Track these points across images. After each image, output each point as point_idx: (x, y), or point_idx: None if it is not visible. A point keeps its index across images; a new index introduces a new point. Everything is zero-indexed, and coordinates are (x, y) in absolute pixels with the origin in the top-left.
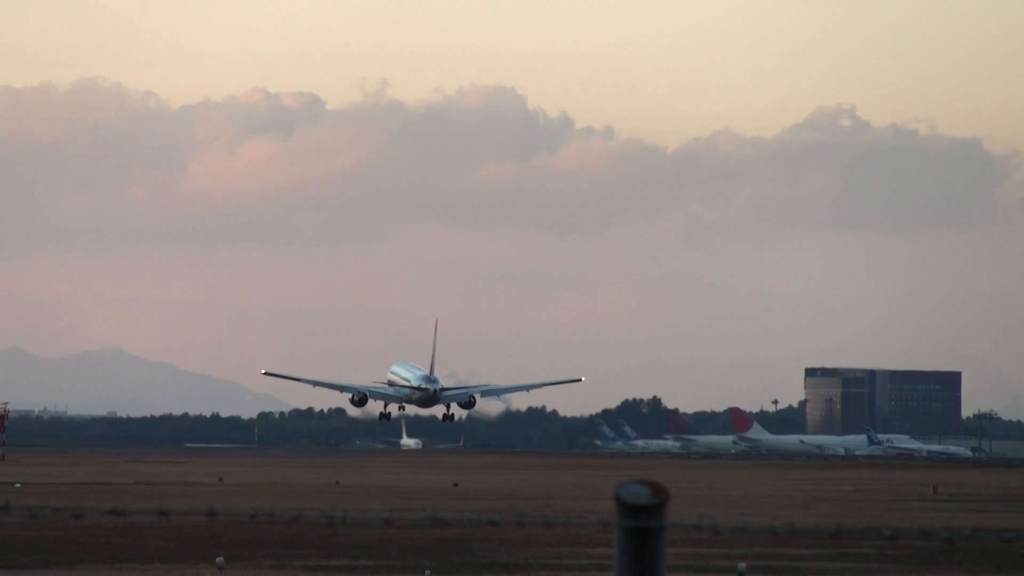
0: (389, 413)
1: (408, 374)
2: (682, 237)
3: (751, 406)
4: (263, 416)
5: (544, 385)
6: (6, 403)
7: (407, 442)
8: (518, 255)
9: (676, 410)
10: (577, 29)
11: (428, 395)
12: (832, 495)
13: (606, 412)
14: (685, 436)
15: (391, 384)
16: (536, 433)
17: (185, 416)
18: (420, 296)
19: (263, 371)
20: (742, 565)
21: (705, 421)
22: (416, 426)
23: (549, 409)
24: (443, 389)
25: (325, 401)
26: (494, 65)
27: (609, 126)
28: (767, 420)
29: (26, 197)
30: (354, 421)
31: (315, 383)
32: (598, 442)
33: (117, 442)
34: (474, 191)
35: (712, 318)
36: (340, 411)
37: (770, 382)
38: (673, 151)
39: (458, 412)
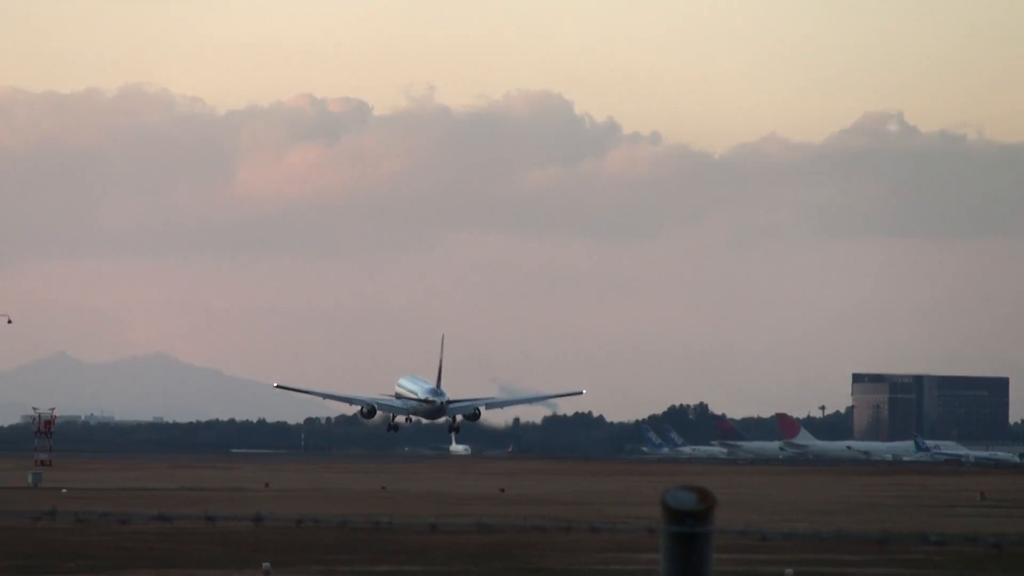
0: (397, 424)
1: (415, 387)
2: (729, 243)
3: (798, 412)
4: (309, 422)
5: (547, 398)
6: (52, 409)
7: (456, 448)
8: (564, 261)
9: (723, 416)
10: (624, 35)
11: (435, 407)
12: (879, 501)
13: (653, 418)
14: (732, 442)
15: (399, 396)
16: (582, 439)
17: (231, 421)
18: (466, 302)
19: (275, 384)
20: (789, 571)
21: (752, 427)
22: (466, 433)
23: (596, 415)
24: (449, 402)
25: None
26: (541, 71)
27: (656, 131)
28: (814, 426)
29: (72, 203)
30: (399, 427)
31: (325, 395)
32: (645, 448)
33: (163, 448)
34: (520, 197)
35: (759, 324)
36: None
37: (817, 388)
38: (720, 156)
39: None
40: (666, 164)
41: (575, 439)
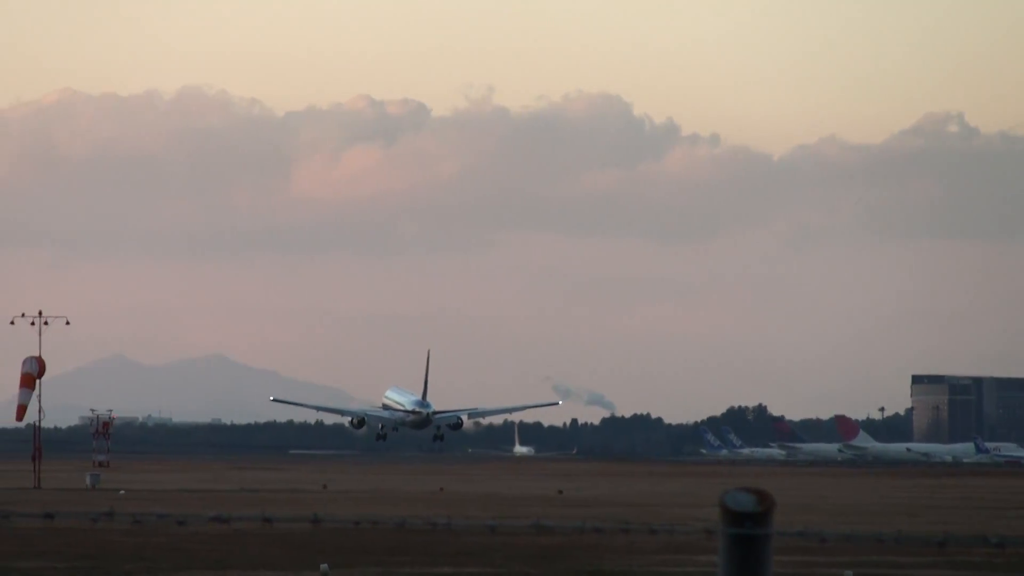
0: (385, 434)
1: (402, 399)
2: (787, 244)
3: (857, 414)
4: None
5: (525, 408)
6: (110, 410)
7: (520, 450)
8: (623, 262)
9: (782, 418)
10: (684, 36)
11: (421, 418)
12: (939, 503)
13: (711, 420)
14: (790, 444)
15: (386, 407)
16: (641, 441)
17: (289, 423)
18: (524, 304)
19: (271, 398)
20: (848, 573)
21: (811, 429)
22: (529, 434)
23: (654, 416)
24: (435, 413)
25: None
26: (600, 72)
27: (715, 133)
28: (873, 428)
29: (130, 205)
30: (459, 432)
31: (318, 408)
32: (703, 450)
33: (221, 449)
34: (579, 198)
35: (818, 325)
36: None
37: (876, 389)
38: (779, 158)
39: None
40: (725, 166)
41: (634, 440)
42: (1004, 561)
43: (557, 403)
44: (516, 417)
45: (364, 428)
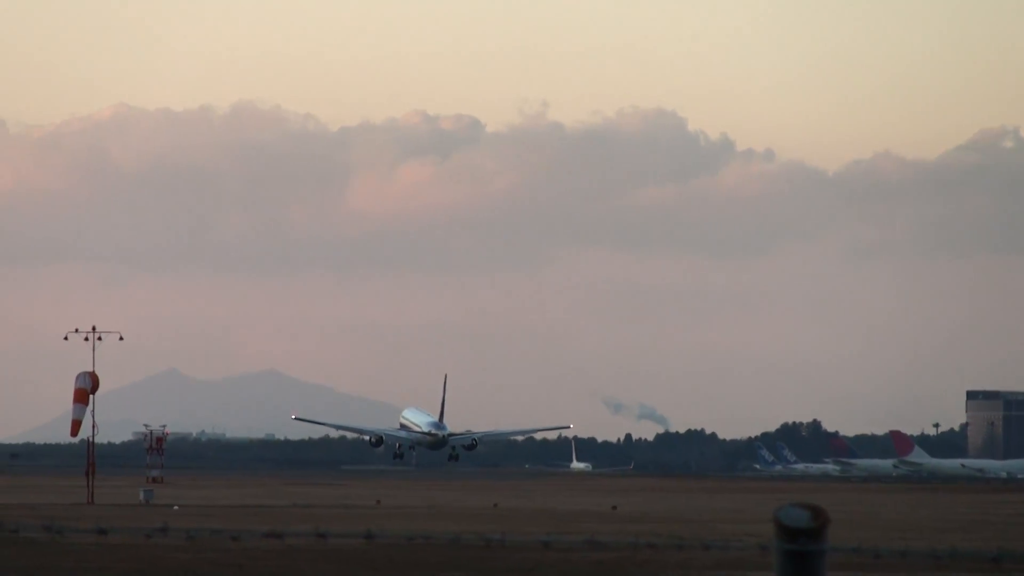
0: (403, 453)
1: (419, 419)
2: (842, 259)
3: (912, 429)
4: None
5: (536, 431)
6: (164, 425)
7: (577, 465)
8: (676, 277)
9: (836, 433)
10: (738, 52)
11: (437, 440)
12: (994, 519)
13: (765, 435)
14: (845, 460)
15: (403, 427)
16: (695, 456)
17: (343, 439)
18: (577, 319)
19: (293, 416)
20: None
21: (866, 444)
22: (583, 449)
23: (708, 432)
24: (450, 435)
25: (484, 424)
26: (654, 87)
27: (770, 148)
28: (928, 443)
29: (184, 219)
30: (512, 444)
31: (338, 427)
32: (757, 465)
33: (274, 464)
34: (633, 214)
35: (872, 340)
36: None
37: (931, 405)
38: (834, 173)
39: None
40: (780, 181)
41: (688, 456)
42: None
43: (568, 426)
44: (570, 433)
45: (382, 447)
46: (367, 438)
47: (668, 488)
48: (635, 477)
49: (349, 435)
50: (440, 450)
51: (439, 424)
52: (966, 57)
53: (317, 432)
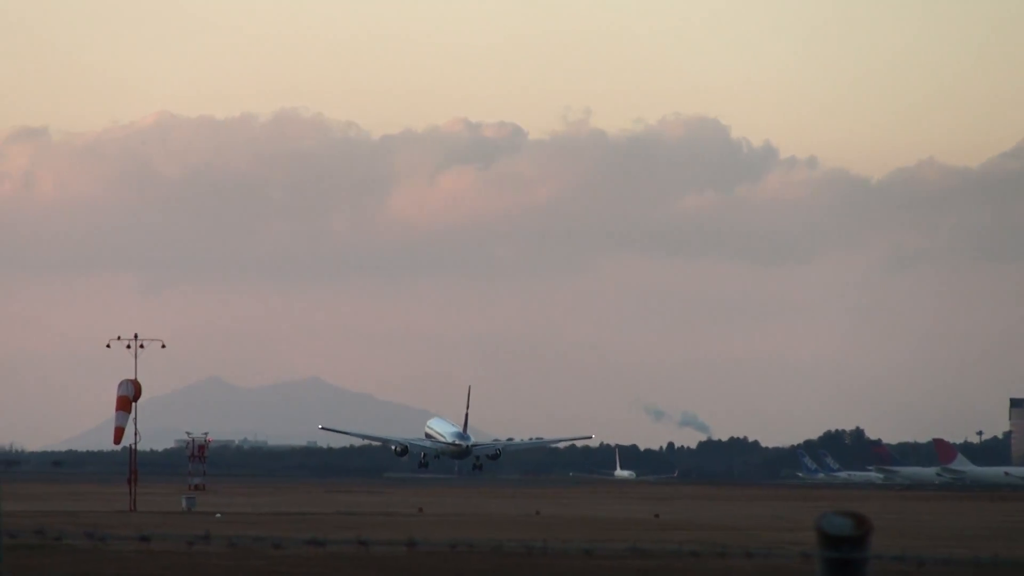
0: (427, 462)
1: (444, 429)
2: (885, 267)
3: (955, 437)
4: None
5: (559, 441)
6: (206, 433)
7: (621, 473)
8: (719, 285)
9: (879, 441)
10: (781, 59)
11: (460, 449)
12: None
13: (808, 443)
14: (888, 467)
15: (428, 437)
16: (738, 464)
17: (384, 446)
18: (621, 327)
19: (320, 426)
20: None
21: (908, 452)
22: (628, 458)
23: (751, 440)
24: (473, 444)
25: (526, 432)
26: (697, 95)
27: (813, 156)
28: (971, 451)
29: (226, 227)
30: (554, 452)
31: (364, 436)
32: (800, 473)
33: (317, 472)
34: (675, 221)
35: (915, 348)
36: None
37: (974, 413)
38: (877, 181)
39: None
40: (823, 188)
41: (730, 464)
42: None
43: (590, 436)
44: (612, 440)
45: (407, 456)
46: (393, 447)
47: (710, 496)
48: (677, 485)
49: (489, 429)
50: (464, 459)
51: (463, 434)
52: (1009, 64)
53: (359, 440)
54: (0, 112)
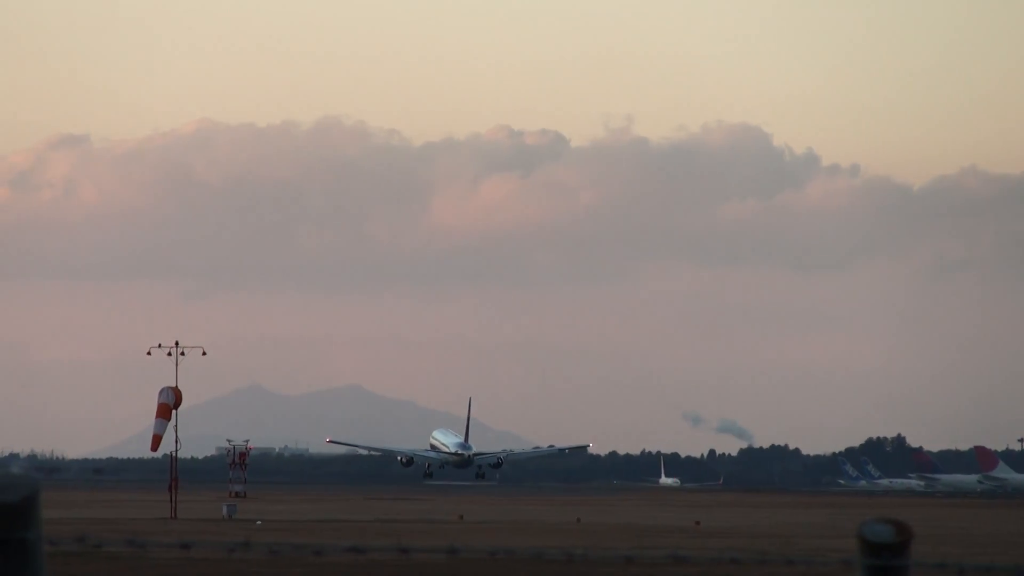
0: (432, 472)
1: (447, 440)
2: (927, 274)
3: (996, 445)
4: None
5: (560, 450)
6: (247, 441)
7: (666, 481)
8: (760, 292)
9: (920, 448)
10: (823, 67)
11: (463, 459)
12: None
13: (849, 450)
14: (929, 475)
15: (433, 448)
16: (779, 471)
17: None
18: (662, 334)
19: (328, 439)
20: None
21: (950, 460)
22: (669, 465)
23: (792, 447)
24: (476, 454)
25: (567, 439)
26: (739, 102)
27: (855, 164)
28: (1013, 459)
29: (268, 235)
30: (595, 459)
31: (369, 448)
32: (841, 481)
33: (358, 480)
34: (717, 229)
35: (956, 355)
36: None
37: (1016, 420)
38: (919, 188)
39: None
40: (865, 196)
41: (771, 471)
42: None
43: (588, 445)
44: (653, 447)
45: (412, 466)
46: (399, 458)
47: (751, 503)
48: (718, 492)
49: (531, 436)
50: (467, 469)
51: (465, 444)
52: None
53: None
54: (42, 119)
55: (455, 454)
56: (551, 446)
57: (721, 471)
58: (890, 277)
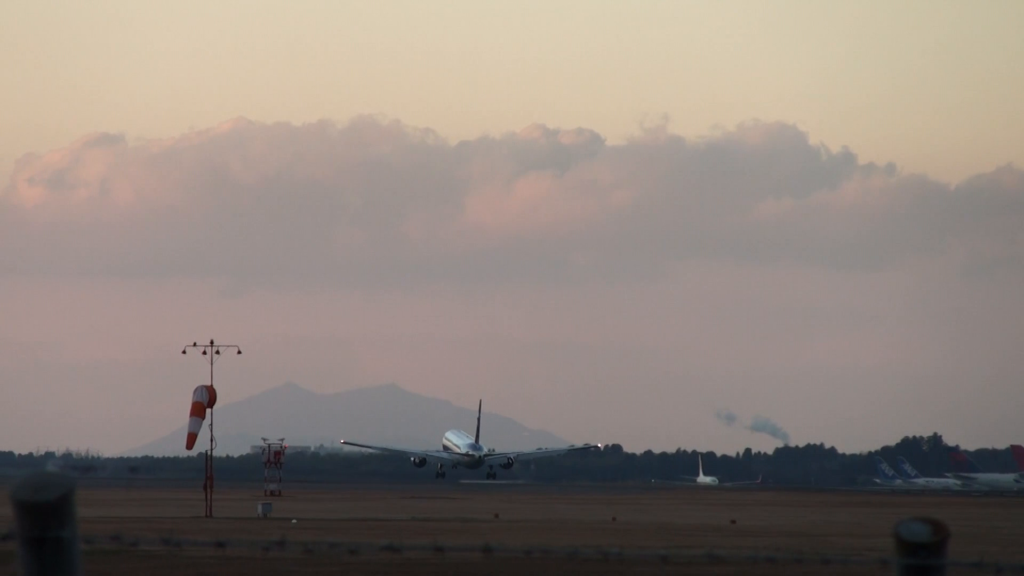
0: (444, 472)
1: (459, 441)
2: (962, 273)
3: None
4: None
5: (567, 451)
6: (282, 439)
7: (703, 479)
8: (797, 291)
9: (957, 447)
10: (859, 65)
11: (474, 460)
12: None
13: (885, 449)
14: (966, 474)
15: (445, 448)
16: (815, 470)
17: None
18: (697, 333)
19: (342, 440)
20: None
21: (987, 459)
22: (710, 466)
23: (827, 446)
24: (486, 455)
25: (602, 438)
26: (775, 101)
27: (891, 162)
28: None
29: (303, 234)
30: (630, 458)
31: (383, 449)
32: (877, 480)
33: (392, 478)
34: (752, 227)
35: (993, 354)
36: (617, 448)
37: None
38: (956, 187)
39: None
40: (901, 195)
41: (807, 470)
42: None
43: (597, 446)
44: (687, 446)
45: (425, 466)
46: (412, 459)
47: (787, 502)
48: (754, 491)
49: (568, 436)
50: (477, 469)
51: (476, 445)
52: None
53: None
54: (77, 119)
55: (466, 455)
56: (574, 445)
57: (756, 471)
58: (926, 275)
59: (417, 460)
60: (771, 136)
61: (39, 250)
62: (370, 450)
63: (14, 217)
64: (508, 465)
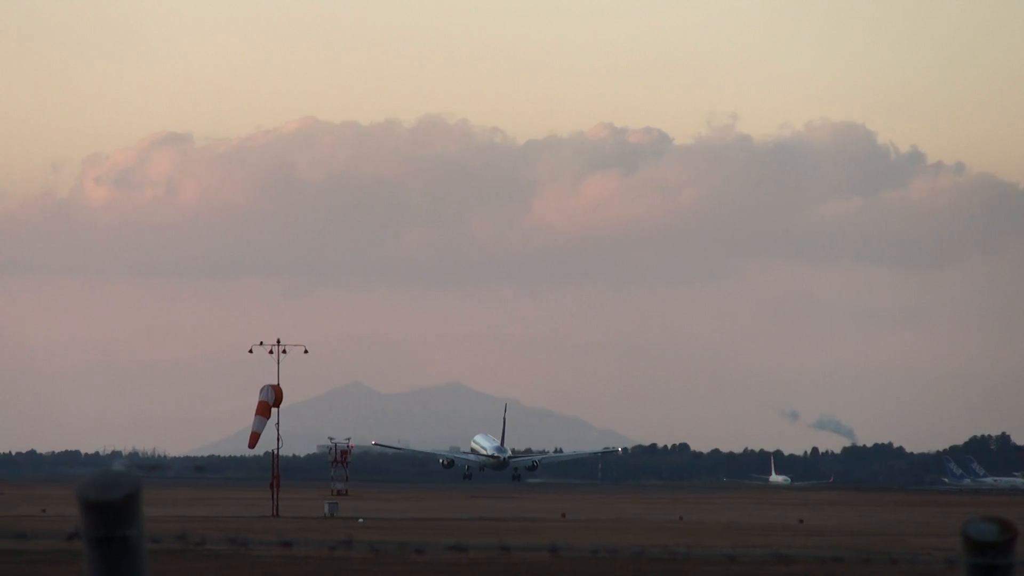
0: (471, 474)
1: (486, 444)
2: None
3: None
4: (606, 452)
5: (590, 454)
6: (348, 438)
7: (776, 479)
8: (864, 290)
9: None
10: (928, 64)
11: (499, 462)
12: None
13: (953, 449)
14: None
15: (473, 451)
16: (882, 469)
17: (527, 451)
18: (764, 332)
19: (373, 442)
20: None
21: None
22: (784, 465)
23: (896, 445)
24: (511, 457)
25: (669, 437)
26: (844, 100)
27: (960, 161)
28: None
29: (370, 233)
30: (698, 456)
31: (411, 452)
32: (946, 479)
33: (458, 477)
34: (820, 227)
35: None
36: (684, 447)
37: None
38: None
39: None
40: (970, 194)
41: (875, 469)
42: None
43: (617, 450)
44: (754, 445)
45: (452, 468)
46: (440, 461)
47: (855, 502)
48: (821, 490)
49: (633, 435)
50: (503, 471)
51: (501, 448)
52: None
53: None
54: (145, 118)
55: (492, 456)
56: (606, 447)
57: (824, 470)
58: (994, 274)
59: (446, 462)
60: (839, 135)
61: (105, 250)
62: (397, 451)
63: (80, 217)
64: (533, 468)
